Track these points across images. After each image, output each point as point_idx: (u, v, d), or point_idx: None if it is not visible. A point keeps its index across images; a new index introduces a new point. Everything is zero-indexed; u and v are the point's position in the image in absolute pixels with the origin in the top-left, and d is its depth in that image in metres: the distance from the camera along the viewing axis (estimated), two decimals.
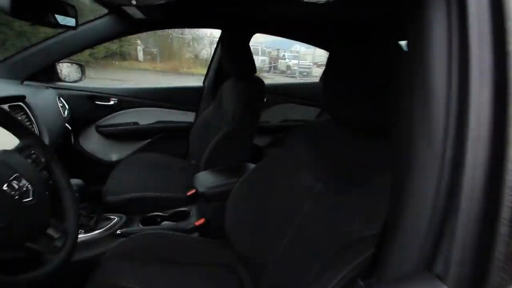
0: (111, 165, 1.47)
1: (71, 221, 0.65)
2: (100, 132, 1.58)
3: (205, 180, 1.08)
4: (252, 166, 1.21)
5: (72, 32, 1.34)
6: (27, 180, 0.53)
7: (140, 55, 9.59)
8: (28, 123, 0.99)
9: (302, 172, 0.73)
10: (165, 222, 1.11)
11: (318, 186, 0.67)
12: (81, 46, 1.38)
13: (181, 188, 1.26)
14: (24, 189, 0.52)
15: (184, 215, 1.17)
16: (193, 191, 1.16)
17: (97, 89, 1.54)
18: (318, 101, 2.04)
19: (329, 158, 0.68)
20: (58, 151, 1.24)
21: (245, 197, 0.87)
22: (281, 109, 1.98)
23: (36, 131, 1.00)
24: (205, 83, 1.77)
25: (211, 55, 1.76)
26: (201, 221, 1.04)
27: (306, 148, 0.74)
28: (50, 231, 0.58)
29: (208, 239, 0.97)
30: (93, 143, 1.59)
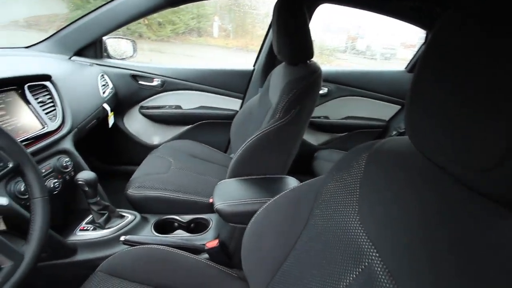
0: (152, 148, 1.40)
1: (31, 244, 0.53)
2: (142, 114, 1.51)
3: (225, 192, 0.87)
4: (292, 181, 0.94)
5: (114, 3, 1.24)
6: None
7: (215, 32, 9.79)
8: (51, 104, 0.93)
9: (353, 222, 0.45)
10: (179, 231, 0.97)
11: (373, 262, 0.38)
12: (125, 18, 1.28)
13: (208, 190, 1.09)
14: None
15: (202, 226, 1.00)
16: None
17: (141, 68, 1.46)
18: (397, 95, 1.58)
19: (405, 219, 0.37)
20: (92, 134, 1.24)
21: (270, 230, 0.63)
22: (346, 103, 1.60)
23: (59, 115, 0.93)
24: (255, 66, 1.51)
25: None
26: (213, 244, 0.85)
27: (368, 188, 0.45)
28: None
29: (218, 265, 0.78)
30: (136, 124, 1.55)
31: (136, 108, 1.52)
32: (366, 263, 0.40)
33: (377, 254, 0.39)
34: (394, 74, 1.64)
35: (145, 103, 1.52)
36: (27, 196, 0.72)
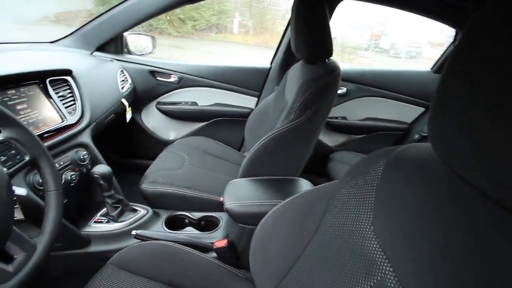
0: (167, 144, 1.42)
1: (44, 233, 0.54)
2: (159, 109, 1.54)
3: (236, 191, 0.86)
4: (305, 183, 0.92)
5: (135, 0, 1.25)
6: None
7: (235, 28, 9.79)
8: (71, 98, 0.95)
9: (366, 232, 0.42)
10: (188, 228, 0.97)
11: (386, 276, 0.36)
12: (146, 14, 1.29)
13: (219, 188, 1.09)
14: None
15: (212, 224, 1.00)
16: None
17: (159, 64, 1.47)
18: (421, 97, 1.50)
19: (424, 234, 0.34)
20: (110, 128, 1.27)
21: (279, 233, 0.61)
22: (366, 104, 1.53)
23: (79, 109, 0.95)
24: (272, 64, 1.48)
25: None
26: (222, 243, 0.84)
27: (385, 197, 0.42)
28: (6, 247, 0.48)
29: (225, 265, 0.78)
30: (153, 119, 1.57)
31: (153, 103, 1.54)
32: (379, 277, 0.37)
33: (390, 269, 0.36)
34: (419, 74, 1.56)
35: (162, 98, 1.54)
36: (43, 187, 0.75)
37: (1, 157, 0.50)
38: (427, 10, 1.28)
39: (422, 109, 1.54)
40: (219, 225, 0.98)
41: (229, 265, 0.77)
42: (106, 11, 1.29)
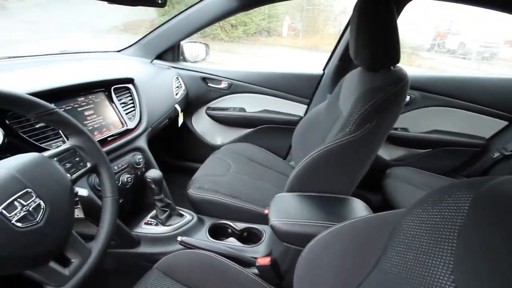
0: (214, 148, 1.45)
1: (99, 239, 0.56)
2: (208, 115, 1.57)
3: (282, 207, 0.81)
4: (359, 205, 0.83)
5: (194, 8, 1.30)
6: (39, 197, 0.45)
7: (285, 31, 9.75)
8: (131, 105, 1.02)
9: (442, 280, 0.35)
10: (231, 239, 0.95)
11: None
12: (201, 23, 1.34)
13: (264, 199, 1.06)
14: (31, 209, 0.43)
15: (255, 236, 0.97)
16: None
17: (211, 71, 1.51)
18: (504, 109, 1.27)
19: None
20: (163, 132, 1.33)
21: (330, 261, 0.55)
22: (432, 114, 1.35)
23: (137, 115, 1.01)
24: (325, 70, 1.40)
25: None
26: (265, 261, 0.80)
27: (474, 241, 0.34)
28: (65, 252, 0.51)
29: (268, 285, 0.74)
30: (202, 124, 1.62)
31: (203, 108, 1.58)
32: None
33: None
34: (502, 81, 1.32)
35: (211, 104, 1.57)
36: None
37: (67, 164, 0.54)
38: (508, 4, 1.06)
39: (505, 123, 1.30)
40: (262, 239, 0.95)
41: (271, 284, 0.73)
42: (165, 22, 1.36)
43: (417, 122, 1.36)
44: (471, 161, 1.35)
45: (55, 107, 0.52)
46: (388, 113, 0.78)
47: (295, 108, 1.50)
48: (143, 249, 0.91)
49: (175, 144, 1.67)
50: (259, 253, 0.89)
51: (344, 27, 1.31)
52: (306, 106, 1.48)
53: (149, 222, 0.96)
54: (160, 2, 0.71)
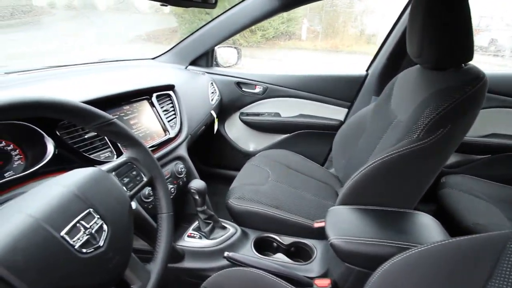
0: (247, 155, 1.40)
1: (157, 260, 0.52)
2: (242, 120, 1.52)
3: (341, 223, 0.73)
4: (427, 220, 0.73)
5: (227, 15, 1.27)
6: (101, 218, 0.40)
7: (303, 34, 9.64)
8: (172, 112, 0.98)
9: None
10: (279, 255, 0.88)
11: None
12: (235, 29, 1.30)
13: (309, 210, 0.98)
14: (93, 231, 0.39)
15: (304, 252, 0.89)
16: (323, 223, 0.84)
17: (245, 75, 1.46)
18: None
19: None
20: (199, 139, 1.30)
21: None
22: (491, 116, 1.22)
23: (178, 122, 0.98)
24: (369, 71, 1.31)
25: (387, 31, 1.26)
26: (325, 284, 0.72)
27: None
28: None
29: None
30: (235, 130, 1.57)
31: (237, 114, 1.54)
32: None
33: None
34: None
35: (245, 109, 1.52)
36: (150, 200, 0.76)
37: (124, 179, 0.50)
38: None
39: None
40: (314, 256, 0.87)
41: None
42: (199, 28, 1.34)
43: (474, 125, 1.23)
44: None
45: (113, 117, 0.48)
46: (465, 115, 0.69)
47: (334, 112, 1.42)
48: (187, 264, 0.86)
49: (208, 151, 1.63)
50: (313, 272, 0.82)
51: (392, 26, 1.21)
52: (346, 110, 1.39)
53: (192, 235, 0.91)
54: (211, 2, 0.67)
